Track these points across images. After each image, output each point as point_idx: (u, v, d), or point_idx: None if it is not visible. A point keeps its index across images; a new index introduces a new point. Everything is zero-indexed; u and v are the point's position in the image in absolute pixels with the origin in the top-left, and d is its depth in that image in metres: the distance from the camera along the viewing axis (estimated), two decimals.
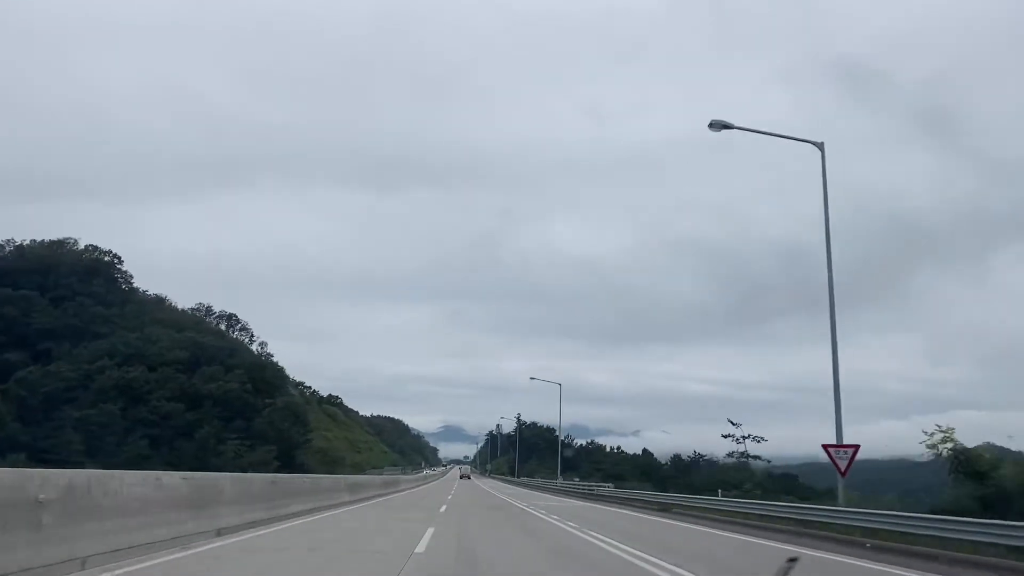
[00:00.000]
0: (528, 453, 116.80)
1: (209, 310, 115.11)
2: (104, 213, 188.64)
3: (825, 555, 13.28)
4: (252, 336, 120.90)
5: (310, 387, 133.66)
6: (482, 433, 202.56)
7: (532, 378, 73.39)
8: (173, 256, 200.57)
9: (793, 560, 4.07)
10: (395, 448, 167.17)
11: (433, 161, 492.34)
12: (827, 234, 21.29)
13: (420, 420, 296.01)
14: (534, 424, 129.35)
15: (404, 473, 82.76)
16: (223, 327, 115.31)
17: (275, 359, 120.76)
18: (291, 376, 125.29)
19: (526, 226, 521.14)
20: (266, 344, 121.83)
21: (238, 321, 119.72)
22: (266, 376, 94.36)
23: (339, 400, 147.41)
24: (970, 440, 19.07)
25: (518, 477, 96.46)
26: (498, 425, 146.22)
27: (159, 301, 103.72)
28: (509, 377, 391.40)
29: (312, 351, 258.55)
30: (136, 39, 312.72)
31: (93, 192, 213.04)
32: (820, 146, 21.81)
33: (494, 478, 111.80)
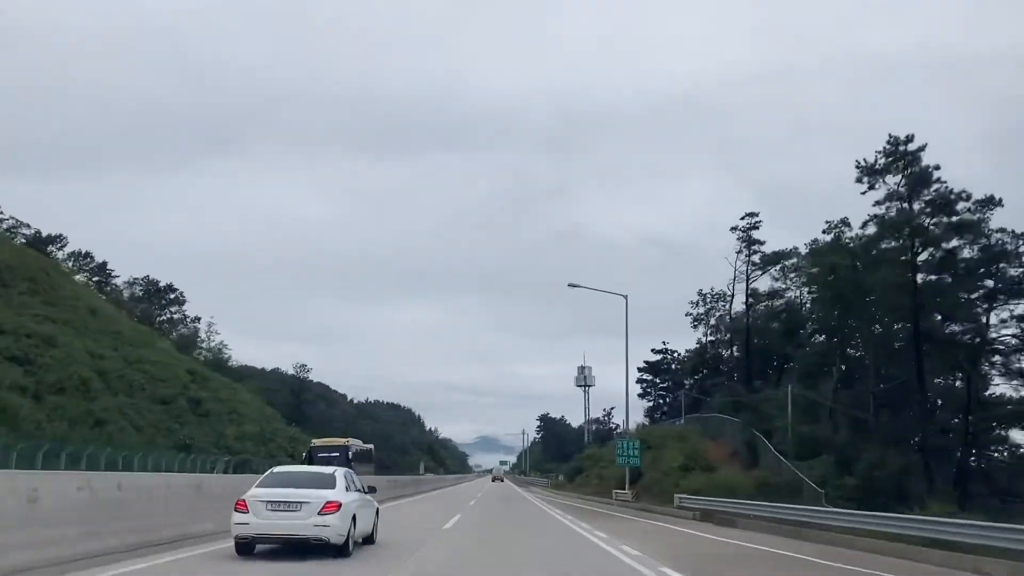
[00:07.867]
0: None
1: None
2: (46, 188, 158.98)
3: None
4: None
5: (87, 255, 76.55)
6: (518, 442, 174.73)
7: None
8: (137, 239, 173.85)
9: None
10: (393, 442, 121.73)
11: (450, 117, 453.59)
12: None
13: (454, 430, 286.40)
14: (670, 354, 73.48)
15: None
16: None
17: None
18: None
19: (562, 199, 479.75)
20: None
21: None
22: None
23: (217, 335, 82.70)
24: None
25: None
26: (585, 374, 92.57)
27: None
28: (545, 384, 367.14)
29: (334, 356, 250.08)
30: None
31: (30, 162, 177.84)
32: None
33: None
